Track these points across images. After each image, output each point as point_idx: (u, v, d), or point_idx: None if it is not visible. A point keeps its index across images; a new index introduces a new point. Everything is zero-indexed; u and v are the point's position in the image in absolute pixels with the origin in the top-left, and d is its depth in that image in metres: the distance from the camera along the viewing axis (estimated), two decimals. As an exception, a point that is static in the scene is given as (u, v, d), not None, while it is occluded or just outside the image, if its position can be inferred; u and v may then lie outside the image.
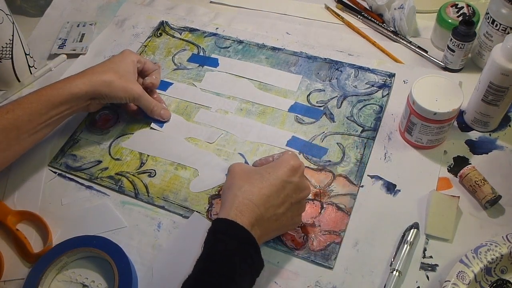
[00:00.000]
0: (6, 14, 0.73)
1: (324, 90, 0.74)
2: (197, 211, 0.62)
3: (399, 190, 0.62)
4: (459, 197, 0.59)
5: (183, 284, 0.47)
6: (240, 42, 0.82)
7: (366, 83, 0.74)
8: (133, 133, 0.71)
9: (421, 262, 0.56)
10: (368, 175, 0.64)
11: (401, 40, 0.80)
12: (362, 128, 0.68)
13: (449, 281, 0.51)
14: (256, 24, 0.86)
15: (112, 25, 0.88)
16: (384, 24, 0.83)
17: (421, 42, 0.79)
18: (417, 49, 0.78)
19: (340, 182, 0.63)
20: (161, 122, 0.72)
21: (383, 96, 0.72)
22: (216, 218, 0.50)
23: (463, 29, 0.68)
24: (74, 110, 0.65)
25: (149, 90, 0.72)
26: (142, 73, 0.73)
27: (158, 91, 0.75)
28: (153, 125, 0.71)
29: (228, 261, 0.47)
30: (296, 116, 0.71)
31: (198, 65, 0.80)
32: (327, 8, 0.88)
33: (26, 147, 0.63)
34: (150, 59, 0.81)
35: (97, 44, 0.85)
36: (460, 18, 0.72)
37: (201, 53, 0.81)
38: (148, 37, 0.85)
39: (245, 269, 0.47)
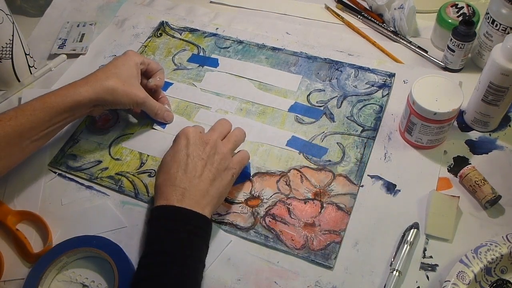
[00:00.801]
0: (6, 14, 0.73)
1: (324, 90, 0.74)
2: (197, 211, 0.62)
3: (399, 190, 0.62)
4: (459, 197, 0.59)
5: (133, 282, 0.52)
6: (240, 42, 0.82)
7: (366, 83, 0.74)
8: (133, 133, 0.71)
9: (421, 262, 0.56)
10: (368, 175, 0.64)
11: (401, 40, 0.80)
12: (362, 128, 0.68)
13: (449, 281, 0.51)
14: (256, 24, 0.86)
15: (112, 25, 0.88)
16: (384, 24, 0.83)
17: (421, 42, 0.79)
18: (417, 49, 0.78)
19: (340, 181, 0.63)
20: (164, 123, 0.72)
21: (383, 96, 0.72)
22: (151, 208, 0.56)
23: (463, 29, 0.68)
24: (77, 116, 0.65)
25: (154, 90, 0.72)
26: (146, 74, 0.72)
27: (165, 93, 0.76)
28: (155, 125, 0.71)
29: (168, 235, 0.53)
30: (296, 116, 0.71)
31: (198, 65, 0.80)
32: (327, 8, 0.88)
33: (27, 154, 0.63)
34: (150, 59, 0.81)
35: (97, 44, 0.85)
36: (460, 18, 0.72)
37: (201, 53, 0.81)
38: (148, 37, 0.85)
39: (185, 236, 0.53)
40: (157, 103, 0.70)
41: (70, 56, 0.84)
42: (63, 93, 0.62)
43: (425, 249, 0.57)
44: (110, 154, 0.69)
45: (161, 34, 0.85)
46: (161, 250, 0.52)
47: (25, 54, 0.79)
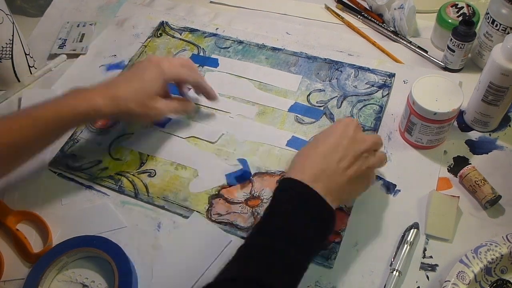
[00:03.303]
0: (6, 14, 0.73)
1: (324, 90, 0.74)
2: (197, 211, 0.62)
3: (399, 190, 0.62)
4: (459, 197, 0.59)
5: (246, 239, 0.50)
6: (240, 42, 0.82)
7: (366, 83, 0.74)
8: (133, 133, 0.71)
9: (421, 262, 0.56)
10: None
11: (401, 40, 0.80)
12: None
13: (449, 281, 0.51)
14: (256, 24, 0.86)
15: (112, 25, 0.88)
16: (384, 24, 0.83)
17: (421, 42, 0.79)
18: (417, 49, 0.78)
19: (340, 182, 0.63)
20: (163, 123, 0.72)
21: (383, 96, 0.72)
22: (280, 179, 0.53)
23: (463, 29, 0.68)
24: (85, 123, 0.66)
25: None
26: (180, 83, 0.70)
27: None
28: (155, 125, 0.71)
29: (290, 208, 0.49)
30: (296, 116, 0.71)
31: (198, 65, 0.80)
32: (327, 8, 0.88)
33: (31, 158, 0.61)
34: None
35: (97, 44, 0.85)
36: (460, 18, 0.72)
37: (201, 53, 0.81)
38: (148, 37, 0.85)
39: (304, 214, 0.49)
40: (172, 107, 0.66)
41: (70, 56, 0.84)
42: (79, 104, 0.59)
43: (425, 249, 0.57)
44: (110, 154, 0.69)
45: (161, 34, 0.85)
46: (275, 226, 0.49)
47: (25, 54, 0.79)
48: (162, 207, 0.63)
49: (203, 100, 0.74)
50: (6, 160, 0.57)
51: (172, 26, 0.86)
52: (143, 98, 0.62)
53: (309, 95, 0.73)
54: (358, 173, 0.53)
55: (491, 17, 0.67)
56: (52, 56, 0.84)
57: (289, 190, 0.51)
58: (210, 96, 0.70)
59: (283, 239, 0.47)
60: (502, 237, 0.54)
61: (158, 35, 0.85)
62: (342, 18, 0.86)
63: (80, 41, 0.85)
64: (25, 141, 0.56)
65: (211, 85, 0.75)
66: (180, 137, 0.70)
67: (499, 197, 0.59)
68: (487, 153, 0.65)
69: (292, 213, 0.49)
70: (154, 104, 0.63)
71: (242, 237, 0.59)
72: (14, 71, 0.78)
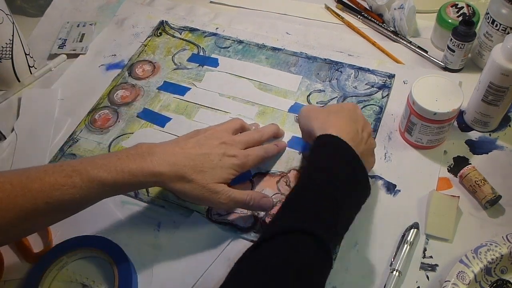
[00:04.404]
0: (6, 14, 0.73)
1: (324, 91, 0.74)
2: (197, 211, 0.62)
3: (399, 190, 0.62)
4: (459, 197, 0.59)
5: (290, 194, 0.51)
6: (240, 42, 0.82)
7: (366, 84, 0.74)
8: (133, 133, 0.71)
9: (421, 262, 0.56)
10: (368, 175, 0.63)
11: (401, 40, 0.80)
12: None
13: (449, 281, 0.51)
14: (256, 24, 0.86)
15: (112, 25, 0.88)
16: (384, 24, 0.83)
17: (421, 42, 0.79)
18: (417, 49, 0.78)
19: (340, 182, 0.63)
20: (163, 123, 0.72)
21: (383, 97, 0.72)
22: (319, 135, 0.54)
23: (463, 29, 0.68)
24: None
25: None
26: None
27: (165, 92, 0.76)
28: (155, 125, 0.71)
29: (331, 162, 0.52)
30: (296, 116, 0.71)
31: (198, 65, 0.80)
32: (327, 8, 0.88)
33: (72, 214, 0.54)
34: (149, 59, 0.81)
35: (97, 44, 0.85)
36: (460, 18, 0.72)
37: (201, 53, 0.81)
38: (148, 37, 0.85)
39: (346, 173, 0.51)
40: (247, 193, 0.57)
41: (70, 56, 0.84)
42: (138, 171, 0.52)
43: (425, 249, 0.57)
44: (110, 154, 0.69)
45: (161, 34, 0.85)
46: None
47: (25, 54, 0.79)
48: (162, 207, 0.63)
49: (203, 101, 0.74)
50: (55, 214, 0.52)
51: (172, 25, 0.86)
52: (210, 187, 0.55)
53: (309, 95, 0.73)
54: (370, 148, 0.58)
55: (491, 17, 0.67)
56: (52, 56, 0.84)
57: (332, 146, 0.53)
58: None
59: (330, 194, 0.49)
60: (502, 237, 0.54)
61: (158, 34, 0.85)
62: (342, 18, 0.86)
63: (80, 41, 0.85)
64: (77, 200, 0.50)
65: (210, 86, 0.75)
66: (180, 137, 0.70)
67: (499, 197, 0.59)
68: (487, 153, 0.65)
69: (337, 170, 0.51)
70: (220, 192, 0.55)
71: (242, 237, 0.59)
72: (14, 71, 0.78)
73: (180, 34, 0.85)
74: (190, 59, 0.81)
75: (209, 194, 0.54)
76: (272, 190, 0.63)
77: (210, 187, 0.54)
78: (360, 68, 0.76)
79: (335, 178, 0.50)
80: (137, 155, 0.53)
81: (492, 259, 0.53)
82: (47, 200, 0.49)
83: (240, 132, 0.63)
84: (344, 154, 0.52)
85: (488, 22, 0.68)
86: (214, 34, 0.84)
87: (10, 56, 0.76)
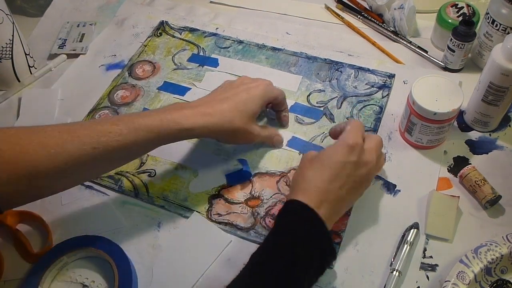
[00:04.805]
0: (6, 14, 0.73)
1: (324, 91, 0.74)
2: (197, 211, 0.62)
3: (399, 190, 0.62)
4: (459, 197, 0.59)
5: (250, 258, 0.49)
6: (240, 42, 0.82)
7: (366, 84, 0.74)
8: (133, 133, 0.71)
9: (421, 262, 0.56)
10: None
11: (401, 40, 0.80)
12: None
13: (449, 281, 0.51)
14: (256, 24, 0.86)
15: (112, 25, 0.88)
16: (384, 24, 0.83)
17: (421, 42, 0.79)
18: (417, 49, 0.78)
19: (340, 182, 0.63)
20: None
21: (383, 97, 0.72)
22: (288, 200, 0.53)
23: (463, 29, 0.68)
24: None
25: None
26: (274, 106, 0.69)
27: (165, 92, 0.76)
28: None
29: (292, 234, 0.50)
30: (296, 116, 0.71)
31: (198, 65, 0.80)
32: (327, 8, 0.88)
33: (121, 165, 0.59)
34: (150, 59, 0.81)
35: (97, 44, 0.85)
36: (460, 18, 0.72)
37: (201, 53, 0.81)
38: (148, 37, 0.85)
39: (308, 244, 0.49)
40: (266, 134, 0.65)
41: (70, 56, 0.84)
42: (181, 117, 0.56)
43: (425, 249, 0.57)
44: (110, 154, 0.69)
45: (161, 34, 0.85)
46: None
47: (25, 54, 0.79)
48: (162, 207, 0.63)
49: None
50: (101, 163, 0.53)
51: (172, 25, 0.86)
52: (246, 118, 0.60)
53: (309, 95, 0.73)
54: (358, 193, 0.56)
55: (491, 17, 0.67)
56: (52, 56, 0.84)
57: (296, 213, 0.51)
58: (286, 119, 0.69)
59: (286, 267, 0.48)
60: (502, 237, 0.54)
61: (158, 34, 0.85)
62: (342, 18, 0.86)
63: (80, 41, 0.85)
64: (121, 148, 0.52)
65: (211, 86, 0.75)
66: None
67: (499, 197, 0.59)
68: (487, 153, 0.65)
69: (296, 241, 0.49)
70: (254, 128, 0.62)
71: (242, 237, 0.59)
72: (14, 71, 0.78)
73: (180, 34, 0.85)
74: (190, 59, 0.81)
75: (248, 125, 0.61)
76: (272, 190, 0.63)
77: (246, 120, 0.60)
78: (360, 68, 0.76)
79: (294, 247, 0.49)
80: (176, 107, 0.57)
81: (492, 259, 0.53)
82: (94, 145, 0.50)
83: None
84: (305, 222, 0.50)
85: (488, 22, 0.68)
86: (214, 34, 0.84)
87: (10, 56, 0.76)
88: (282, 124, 0.70)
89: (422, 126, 0.62)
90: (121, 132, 0.52)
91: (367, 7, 0.87)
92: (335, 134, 0.61)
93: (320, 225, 0.50)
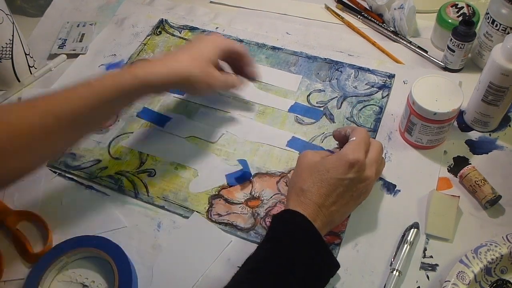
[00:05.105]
0: (6, 14, 0.73)
1: (324, 91, 0.74)
2: (197, 211, 0.62)
3: (399, 190, 0.62)
4: (459, 197, 0.59)
5: (243, 264, 0.50)
6: (240, 41, 0.82)
7: (366, 84, 0.74)
8: (132, 132, 0.71)
9: (421, 262, 0.56)
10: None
11: (401, 40, 0.80)
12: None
13: (449, 281, 0.51)
14: (256, 24, 0.86)
15: (111, 24, 0.88)
16: (384, 24, 0.83)
17: (421, 42, 0.79)
18: (417, 49, 0.78)
19: (340, 182, 0.63)
20: (163, 123, 0.72)
21: (383, 97, 0.72)
22: (284, 209, 0.53)
23: (463, 29, 0.68)
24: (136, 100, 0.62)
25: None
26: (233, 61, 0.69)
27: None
28: (155, 125, 0.71)
29: (290, 245, 0.50)
30: (296, 116, 0.71)
31: (198, 65, 0.80)
32: (327, 8, 0.88)
33: (90, 132, 0.60)
34: (149, 58, 0.81)
35: (96, 44, 0.85)
36: (460, 18, 0.72)
37: (201, 53, 0.81)
38: (148, 35, 0.85)
39: (304, 253, 0.50)
40: (223, 78, 0.65)
41: (70, 56, 0.84)
42: (136, 70, 0.56)
43: (425, 249, 0.57)
44: (109, 153, 0.69)
45: (160, 32, 0.85)
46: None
47: (25, 54, 0.79)
48: (162, 207, 0.63)
49: (202, 100, 0.74)
50: (66, 131, 0.53)
51: (171, 24, 0.86)
52: (201, 63, 0.61)
53: (309, 95, 0.73)
54: (355, 204, 0.56)
55: (491, 17, 0.67)
56: (52, 56, 0.83)
57: (293, 223, 0.51)
58: (254, 73, 0.69)
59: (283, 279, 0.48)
60: (502, 237, 0.54)
61: (158, 33, 0.85)
62: (342, 18, 0.85)
63: (80, 41, 0.85)
64: (84, 111, 0.52)
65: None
66: (180, 137, 0.70)
67: (499, 197, 0.59)
68: (487, 153, 0.65)
69: (292, 249, 0.49)
70: (212, 72, 0.62)
71: (242, 238, 0.59)
72: (14, 71, 0.78)
73: (180, 33, 0.85)
74: (190, 59, 0.81)
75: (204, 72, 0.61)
76: (272, 190, 0.63)
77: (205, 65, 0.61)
78: (360, 68, 0.76)
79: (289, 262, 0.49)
80: (134, 64, 0.59)
81: (492, 259, 0.53)
82: (56, 114, 0.50)
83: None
84: (302, 232, 0.51)
85: (488, 22, 0.68)
86: (214, 34, 0.84)
87: (10, 56, 0.76)
88: (252, 78, 0.69)
89: (422, 126, 0.62)
90: (81, 95, 0.52)
91: (367, 7, 0.87)
92: (338, 137, 0.60)
93: (315, 236, 0.50)
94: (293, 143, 0.68)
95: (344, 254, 0.57)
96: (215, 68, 0.63)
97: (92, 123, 0.56)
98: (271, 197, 0.63)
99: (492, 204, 0.59)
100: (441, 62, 0.75)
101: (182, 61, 0.60)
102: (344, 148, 0.54)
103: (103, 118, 0.59)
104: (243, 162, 0.66)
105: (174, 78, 0.59)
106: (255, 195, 0.63)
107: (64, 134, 0.53)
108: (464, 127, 0.68)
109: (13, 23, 0.75)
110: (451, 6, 0.75)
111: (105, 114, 0.58)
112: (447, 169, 0.64)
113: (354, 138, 0.55)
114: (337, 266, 0.52)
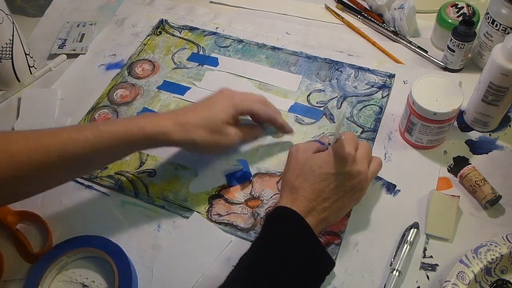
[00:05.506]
0: (6, 14, 0.73)
1: (324, 91, 0.74)
2: (197, 211, 0.62)
3: (399, 190, 0.62)
4: (459, 196, 0.59)
5: (237, 263, 0.50)
6: (240, 41, 0.82)
7: (366, 84, 0.74)
8: (133, 133, 0.71)
9: (421, 262, 0.56)
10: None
11: (401, 40, 0.80)
12: (362, 129, 0.68)
13: (449, 281, 0.51)
14: (256, 24, 0.86)
15: (111, 24, 0.88)
16: (384, 24, 0.83)
17: (421, 42, 0.79)
18: (417, 49, 0.78)
19: (340, 182, 0.63)
20: None
21: (383, 97, 0.72)
22: (277, 206, 0.53)
23: (463, 29, 0.68)
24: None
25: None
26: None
27: (165, 92, 0.76)
28: None
29: (284, 243, 0.50)
30: (296, 116, 0.71)
31: (198, 64, 0.80)
32: (327, 8, 0.88)
33: (90, 172, 0.61)
34: (149, 58, 0.81)
35: (96, 44, 0.85)
36: (460, 18, 0.72)
37: (201, 52, 0.81)
38: (148, 36, 0.85)
39: (299, 251, 0.50)
40: (240, 137, 0.63)
41: (70, 56, 0.84)
42: (145, 124, 0.56)
43: (425, 249, 0.57)
44: (110, 154, 0.69)
45: (160, 32, 0.85)
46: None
47: (25, 54, 0.79)
48: (162, 207, 0.63)
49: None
50: (68, 170, 0.54)
51: (171, 24, 0.86)
52: (212, 126, 0.59)
53: (309, 95, 0.73)
54: (350, 202, 0.55)
55: (491, 17, 0.67)
56: (52, 56, 0.84)
57: (285, 220, 0.51)
58: (285, 130, 0.66)
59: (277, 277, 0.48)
60: (502, 237, 0.54)
61: (158, 33, 0.85)
62: (342, 18, 0.85)
63: (80, 41, 0.85)
64: (89, 156, 0.53)
65: (210, 85, 0.75)
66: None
67: (499, 197, 0.59)
68: (487, 153, 0.65)
69: (286, 247, 0.50)
70: (226, 133, 0.60)
71: (242, 238, 0.59)
72: (14, 71, 0.78)
73: (180, 33, 0.85)
74: (190, 58, 0.81)
75: (215, 135, 0.59)
76: (272, 190, 0.63)
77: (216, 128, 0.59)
78: (360, 68, 0.76)
79: (284, 257, 0.49)
80: (143, 116, 0.59)
81: (492, 259, 0.53)
82: (60, 153, 0.50)
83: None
84: (294, 229, 0.51)
85: (488, 22, 0.68)
86: (214, 33, 0.84)
87: (10, 56, 0.76)
88: (286, 132, 0.67)
89: (422, 126, 0.62)
90: (87, 139, 0.52)
91: (367, 7, 0.87)
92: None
93: (308, 232, 0.51)
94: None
95: (344, 254, 0.57)
96: (233, 124, 0.62)
97: (94, 166, 0.58)
98: (271, 197, 0.63)
99: (492, 204, 0.59)
100: (441, 62, 0.75)
101: (192, 121, 0.58)
102: (335, 145, 0.55)
103: (106, 163, 0.61)
104: (243, 162, 0.66)
105: (181, 138, 0.57)
106: (255, 195, 0.63)
107: (65, 172, 0.54)
108: (464, 127, 0.68)
109: (13, 23, 0.75)
110: (451, 6, 0.75)
111: (108, 160, 0.60)
112: (447, 169, 0.64)
113: (343, 137, 0.55)
114: (331, 262, 0.52)
